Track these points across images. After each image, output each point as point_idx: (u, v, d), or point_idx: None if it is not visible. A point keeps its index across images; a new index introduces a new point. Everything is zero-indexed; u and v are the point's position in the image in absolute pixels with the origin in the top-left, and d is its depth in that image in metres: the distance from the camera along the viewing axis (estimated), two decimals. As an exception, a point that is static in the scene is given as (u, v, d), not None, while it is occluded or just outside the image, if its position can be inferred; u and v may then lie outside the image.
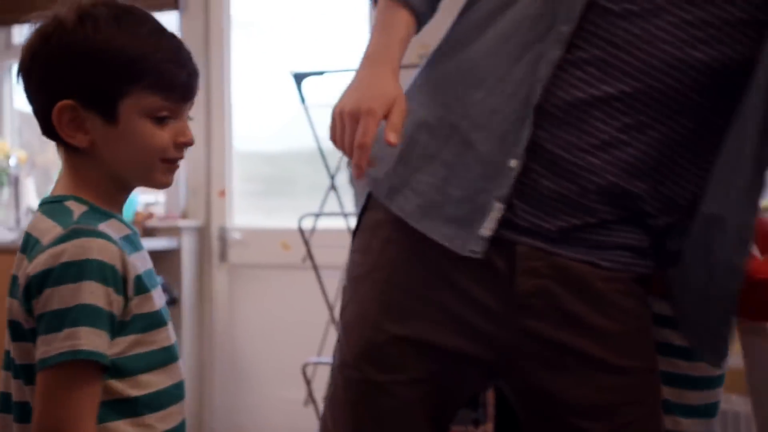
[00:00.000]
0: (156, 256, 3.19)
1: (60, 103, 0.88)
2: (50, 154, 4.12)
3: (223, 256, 3.31)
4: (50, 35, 0.88)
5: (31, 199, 3.44)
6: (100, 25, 0.87)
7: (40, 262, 0.83)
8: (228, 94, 3.34)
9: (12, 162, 3.38)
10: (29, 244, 0.88)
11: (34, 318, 0.84)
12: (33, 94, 0.91)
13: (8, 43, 3.74)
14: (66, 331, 0.81)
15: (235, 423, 3.26)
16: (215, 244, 3.31)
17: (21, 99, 3.82)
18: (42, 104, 0.90)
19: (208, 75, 3.34)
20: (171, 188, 3.27)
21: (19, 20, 3.61)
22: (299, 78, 2.19)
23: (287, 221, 3.24)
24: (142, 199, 3.37)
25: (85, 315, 0.82)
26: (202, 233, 3.33)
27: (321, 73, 2.18)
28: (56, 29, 0.87)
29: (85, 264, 0.82)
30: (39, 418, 0.83)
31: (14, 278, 0.88)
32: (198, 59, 3.13)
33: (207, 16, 3.33)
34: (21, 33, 3.75)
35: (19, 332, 0.87)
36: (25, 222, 3.34)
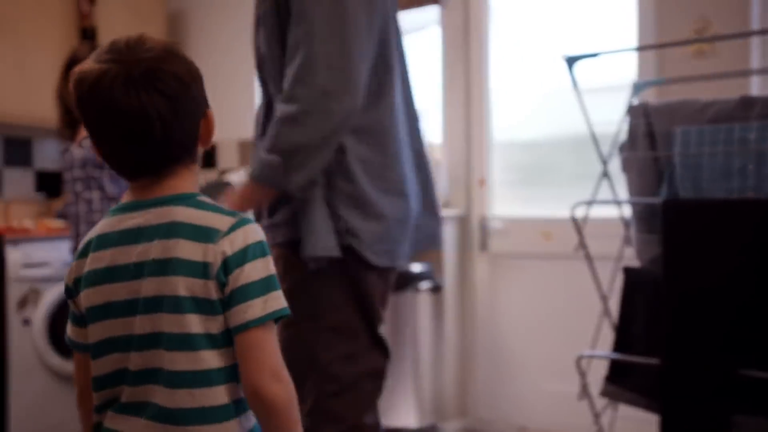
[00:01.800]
0: (420, 244, 3.33)
1: (208, 112, 1.09)
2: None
3: (483, 245, 3.32)
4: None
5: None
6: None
7: (235, 245, 1.00)
8: (487, 84, 3.34)
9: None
10: (199, 232, 1.00)
11: (224, 291, 0.99)
12: (189, 112, 1.05)
13: (287, 48, 4.08)
14: (272, 294, 1.00)
15: (498, 412, 3.27)
16: (476, 234, 3.34)
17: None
18: (194, 118, 1.06)
19: (467, 66, 3.36)
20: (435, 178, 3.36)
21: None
22: (571, 61, 2.09)
23: (548, 210, 3.17)
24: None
25: (275, 281, 1.01)
26: (463, 223, 3.37)
27: (595, 55, 2.06)
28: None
29: (263, 243, 1.02)
30: (257, 361, 0.98)
31: (176, 262, 0.99)
32: (457, 51, 3.17)
33: (467, 7, 3.36)
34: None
35: (202, 306, 0.99)
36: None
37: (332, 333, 1.59)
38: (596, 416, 2.23)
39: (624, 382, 2.10)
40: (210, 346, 0.99)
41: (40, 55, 3.51)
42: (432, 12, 3.49)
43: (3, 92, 3.38)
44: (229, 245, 1.00)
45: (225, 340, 1.00)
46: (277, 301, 1.01)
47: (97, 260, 1.03)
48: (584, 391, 2.15)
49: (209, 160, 4.20)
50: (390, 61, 1.61)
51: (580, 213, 2.14)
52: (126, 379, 1.01)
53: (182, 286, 0.98)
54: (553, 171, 3.26)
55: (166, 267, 0.99)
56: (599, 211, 2.37)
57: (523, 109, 3.33)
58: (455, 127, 3.39)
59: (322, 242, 1.52)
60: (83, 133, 2.95)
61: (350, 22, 1.48)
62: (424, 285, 3.06)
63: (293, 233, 1.58)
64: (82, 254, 1.06)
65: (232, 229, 1.01)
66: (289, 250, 1.59)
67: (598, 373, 2.26)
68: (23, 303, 3.02)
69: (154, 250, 1.00)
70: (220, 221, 1.01)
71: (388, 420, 3.01)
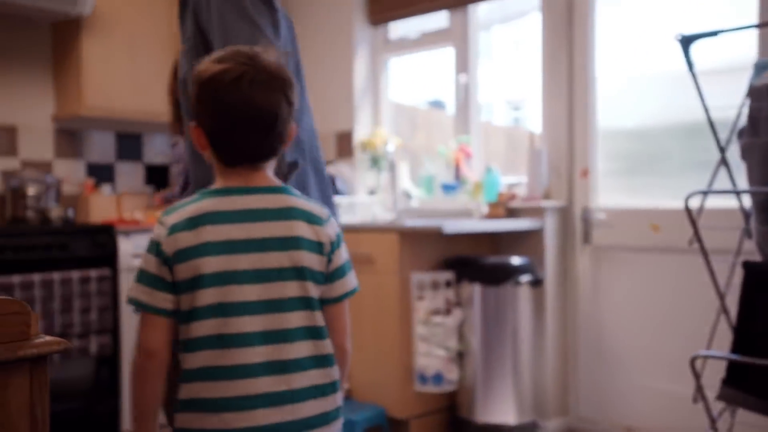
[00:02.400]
0: (519, 236, 3.25)
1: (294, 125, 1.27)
2: (419, 141, 4.42)
3: (586, 237, 3.20)
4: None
5: (405, 182, 3.71)
6: None
7: (334, 231, 1.27)
8: (591, 69, 3.21)
9: (390, 148, 3.67)
10: (311, 217, 1.24)
11: (328, 267, 1.25)
12: (292, 114, 1.24)
13: (386, 39, 4.08)
14: (353, 272, 1.30)
15: (602, 411, 3.15)
16: (578, 225, 3.22)
17: (395, 91, 4.17)
18: (291, 121, 1.24)
19: (570, 51, 3.24)
20: (533, 168, 3.27)
21: (395, 17, 3.91)
22: (687, 41, 1.96)
23: (656, 201, 3.02)
24: (505, 180, 3.42)
25: (351, 263, 1.32)
26: (565, 214, 3.26)
27: (714, 33, 1.92)
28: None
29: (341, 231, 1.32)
30: (345, 325, 1.30)
31: (297, 239, 1.21)
32: (559, 35, 3.04)
33: (569, -10, 3.23)
34: (397, 30, 4.07)
35: (315, 276, 1.23)
36: (401, 204, 3.62)
37: None
38: (712, 421, 2.10)
39: (743, 385, 1.96)
40: (318, 308, 1.24)
41: (150, 53, 3.64)
42: (533, -3, 3.39)
43: (115, 90, 3.54)
44: (332, 230, 1.27)
45: (320, 305, 1.26)
46: (355, 280, 1.31)
47: (214, 233, 1.18)
48: (699, 394, 2.02)
49: (308, 152, 4.24)
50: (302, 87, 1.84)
51: (694, 203, 2.01)
52: (238, 341, 1.16)
53: (309, 259, 1.22)
54: (663, 159, 3.10)
55: (290, 243, 1.21)
56: (715, 202, 2.22)
57: (631, 95, 3.18)
58: (557, 116, 3.28)
59: None
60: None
61: None
62: (525, 278, 2.98)
63: None
64: (186, 228, 1.18)
65: (329, 217, 1.28)
66: None
67: (713, 374, 2.12)
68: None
69: (278, 228, 1.21)
70: (319, 210, 1.27)
71: (486, 415, 2.96)
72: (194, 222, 1.19)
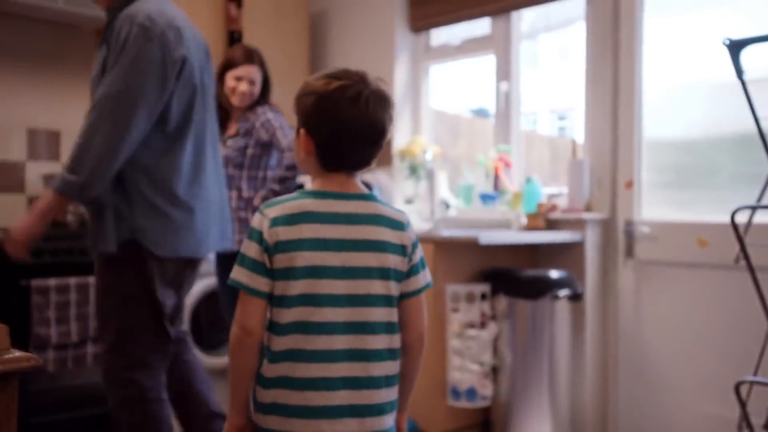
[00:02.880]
0: (558, 249, 3.15)
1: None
2: (462, 150, 4.35)
3: (629, 251, 3.09)
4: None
5: (444, 191, 3.65)
6: None
7: (413, 234, 1.42)
8: (638, 79, 3.10)
9: (428, 156, 3.61)
10: (395, 223, 1.39)
11: (407, 266, 1.40)
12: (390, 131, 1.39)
13: (427, 46, 4.02)
14: (427, 269, 1.46)
15: (641, 431, 3.03)
16: (621, 239, 3.11)
17: (437, 98, 4.11)
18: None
19: (616, 59, 3.14)
20: (575, 179, 3.17)
21: (437, 24, 3.86)
22: (736, 47, 1.86)
23: (704, 215, 2.90)
24: (546, 190, 3.32)
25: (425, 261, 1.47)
26: (607, 226, 3.15)
27: (765, 38, 1.82)
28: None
29: None
30: (423, 315, 1.45)
31: (383, 243, 1.36)
32: (604, 43, 2.92)
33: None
34: (438, 37, 4.02)
35: (398, 276, 1.38)
36: (439, 213, 3.55)
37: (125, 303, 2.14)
38: (757, 449, 1.98)
39: (792, 413, 1.85)
40: (395, 306, 1.39)
41: (189, 58, 3.65)
42: (578, 3, 3.30)
43: (155, 95, 3.56)
44: (412, 234, 1.42)
45: (397, 302, 1.40)
46: (429, 275, 1.46)
47: (311, 231, 1.33)
48: (744, 421, 1.91)
49: (347, 159, 4.21)
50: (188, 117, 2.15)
51: (742, 218, 1.91)
52: (322, 329, 1.32)
53: (393, 260, 1.37)
54: (711, 172, 2.97)
55: (378, 246, 1.36)
56: (765, 217, 2.10)
57: (678, 105, 3.06)
58: (600, 125, 3.18)
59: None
60: (229, 131, 3.04)
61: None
62: (563, 292, 2.88)
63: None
64: (287, 222, 1.33)
65: (409, 223, 1.43)
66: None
67: (761, 401, 2.01)
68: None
69: (365, 232, 1.36)
70: (401, 216, 1.42)
71: (522, 431, 2.87)
72: (294, 219, 1.34)
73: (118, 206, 2.10)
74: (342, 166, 1.38)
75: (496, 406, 2.95)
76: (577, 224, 3.10)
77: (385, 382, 1.36)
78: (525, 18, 3.63)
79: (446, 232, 2.93)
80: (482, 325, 2.90)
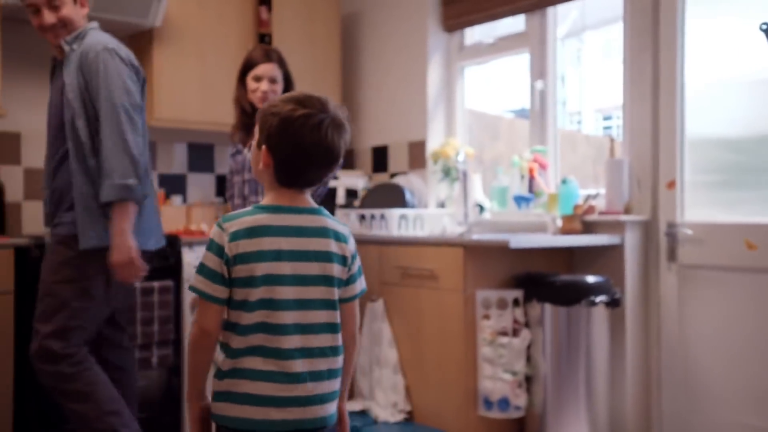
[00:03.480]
0: (596, 253, 3.01)
1: None
2: (501, 151, 4.24)
3: (671, 254, 2.93)
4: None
5: (478, 194, 3.54)
6: None
7: (353, 246, 1.59)
8: (680, 75, 2.94)
9: (460, 158, 3.51)
10: (338, 236, 1.55)
11: (347, 274, 1.57)
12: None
13: (460, 46, 3.93)
14: (363, 277, 1.62)
15: (685, 446, 2.87)
16: (663, 242, 2.96)
17: (475, 99, 4.01)
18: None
19: (656, 54, 2.99)
20: (613, 179, 3.02)
21: (470, 23, 3.76)
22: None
23: (752, 216, 2.73)
24: (582, 192, 3.19)
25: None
26: (648, 229, 3.00)
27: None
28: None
29: None
30: (356, 318, 1.63)
31: (328, 254, 1.52)
32: (644, 36, 2.75)
33: (655, -12, 2.99)
34: (473, 36, 3.92)
35: (339, 283, 1.55)
36: (472, 217, 3.45)
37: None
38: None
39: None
40: (337, 309, 1.54)
41: (220, 64, 3.64)
42: (618, 1, 3.16)
43: (186, 101, 3.55)
44: (352, 246, 1.58)
45: (338, 306, 1.56)
46: (364, 283, 1.63)
47: (268, 243, 1.47)
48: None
49: (381, 163, 4.15)
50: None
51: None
52: (280, 330, 1.47)
53: (336, 269, 1.53)
54: (759, 170, 2.80)
55: (325, 256, 1.52)
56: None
57: (724, 102, 2.90)
58: (640, 123, 3.03)
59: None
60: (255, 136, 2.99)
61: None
62: (601, 298, 2.75)
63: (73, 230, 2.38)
64: (246, 236, 1.46)
65: (349, 235, 1.59)
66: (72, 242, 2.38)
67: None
68: (196, 304, 3.13)
69: (313, 244, 1.51)
70: (344, 229, 1.58)
71: (558, 445, 2.74)
72: (253, 232, 1.47)
73: (105, 207, 2.36)
74: (295, 184, 1.52)
75: (531, 417, 2.83)
76: (616, 227, 2.96)
77: (327, 375, 1.52)
78: (568, 16, 3.51)
79: (476, 236, 2.82)
80: (515, 332, 2.78)
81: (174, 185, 3.87)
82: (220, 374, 1.49)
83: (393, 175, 4.01)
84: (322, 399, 1.51)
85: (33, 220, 3.45)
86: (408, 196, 3.55)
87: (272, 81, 2.87)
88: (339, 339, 1.54)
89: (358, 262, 1.60)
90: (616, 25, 3.22)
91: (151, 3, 3.31)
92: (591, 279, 2.80)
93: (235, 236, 1.46)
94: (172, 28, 3.52)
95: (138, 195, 2.31)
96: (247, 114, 2.91)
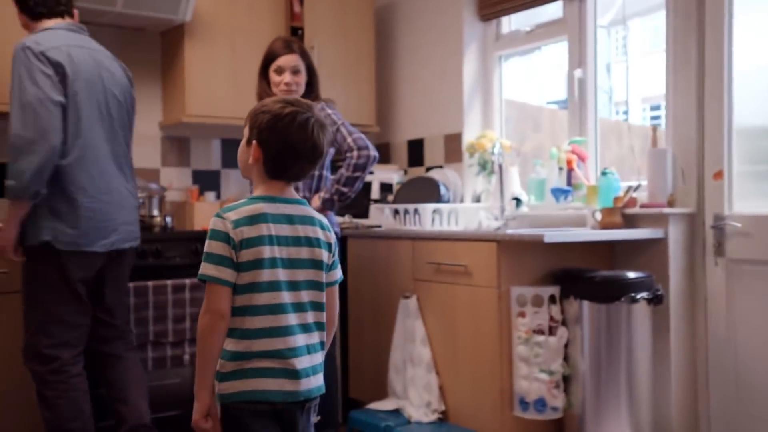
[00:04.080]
0: (638, 247, 2.87)
1: None
2: (537, 143, 4.12)
3: (719, 249, 2.78)
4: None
5: (515, 187, 3.43)
6: None
7: (334, 236, 1.77)
8: (727, 60, 2.78)
9: (495, 150, 3.41)
10: (322, 225, 1.72)
11: (331, 260, 1.74)
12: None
13: (498, 34, 3.82)
14: (339, 266, 1.79)
15: (733, 451, 2.72)
16: (709, 235, 2.81)
17: (510, 88, 3.90)
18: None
19: (701, 40, 2.84)
20: (656, 170, 2.89)
21: (506, 11, 3.65)
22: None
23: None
24: (624, 184, 3.05)
25: None
26: (693, 222, 2.86)
27: None
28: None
29: None
30: (336, 302, 1.79)
31: (318, 240, 1.70)
32: (689, 23, 2.60)
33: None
34: (509, 24, 3.80)
35: (325, 267, 1.71)
36: (509, 211, 3.35)
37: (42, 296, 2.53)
38: None
39: None
40: (323, 289, 1.71)
41: (251, 58, 3.59)
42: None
43: (217, 96, 3.53)
44: (333, 235, 1.75)
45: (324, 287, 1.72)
46: (341, 272, 1.80)
47: (267, 229, 1.61)
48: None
49: (416, 156, 4.07)
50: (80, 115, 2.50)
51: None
52: (281, 309, 1.62)
53: (324, 254, 1.70)
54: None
55: (314, 242, 1.69)
56: None
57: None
58: (685, 111, 2.88)
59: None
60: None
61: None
62: (642, 295, 2.62)
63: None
64: (247, 223, 1.60)
65: (330, 224, 1.78)
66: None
67: None
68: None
69: (303, 230, 1.68)
70: (326, 220, 1.75)
71: (598, 447, 2.63)
72: (254, 219, 1.61)
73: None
74: (282, 177, 1.67)
75: (569, 418, 2.72)
76: (659, 220, 2.83)
77: (318, 348, 1.69)
78: (613, 2, 3.37)
79: (510, 231, 2.73)
80: (551, 330, 2.68)
81: (208, 181, 3.86)
82: (230, 356, 1.60)
83: (429, 169, 3.93)
84: (315, 370, 1.67)
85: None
86: (443, 190, 3.47)
87: (295, 72, 2.81)
88: (323, 316, 1.71)
89: (336, 252, 1.76)
90: (662, 12, 3.08)
91: (181, -2, 3.29)
92: (632, 275, 2.67)
93: (237, 223, 1.59)
94: (203, 23, 3.50)
95: (16, 193, 2.38)
96: None
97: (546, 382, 2.64)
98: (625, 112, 6.40)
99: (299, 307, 1.65)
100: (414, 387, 3.00)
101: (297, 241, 1.65)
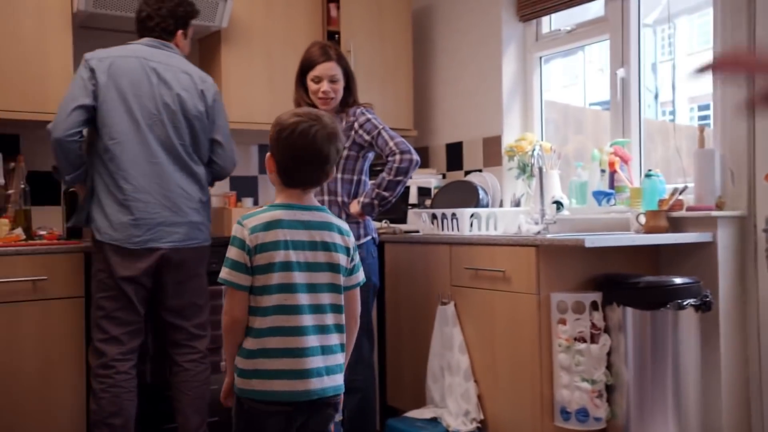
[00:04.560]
0: (684, 252, 2.76)
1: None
2: (580, 145, 4.01)
3: (771, 253, 2.66)
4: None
5: (556, 190, 3.34)
6: None
7: (353, 240, 1.87)
8: None
9: (535, 152, 3.33)
10: (341, 230, 1.83)
11: (350, 264, 1.84)
12: (336, 159, 1.81)
13: (538, 35, 3.74)
14: (362, 270, 1.90)
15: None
16: (761, 239, 2.68)
17: (552, 90, 3.81)
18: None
19: (751, 32, 2.72)
20: (703, 172, 2.77)
21: (546, 11, 3.57)
22: None
23: None
24: (669, 186, 2.94)
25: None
26: (743, 225, 2.73)
27: None
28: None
29: None
30: (357, 304, 1.89)
31: (335, 244, 1.80)
32: (740, 16, 2.48)
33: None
34: (549, 24, 3.72)
35: (344, 271, 1.81)
36: (550, 215, 3.25)
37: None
38: None
39: None
40: (342, 292, 1.80)
41: (288, 63, 3.58)
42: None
43: (254, 101, 3.53)
44: (352, 240, 1.86)
45: (342, 290, 1.82)
46: (363, 275, 1.89)
47: (283, 234, 1.72)
48: None
49: (455, 160, 4.01)
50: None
51: None
52: (296, 310, 1.72)
53: (341, 258, 1.80)
54: None
55: (331, 247, 1.79)
56: None
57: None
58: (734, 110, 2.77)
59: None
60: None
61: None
62: (689, 301, 2.51)
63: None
64: (263, 229, 1.72)
65: (350, 230, 1.87)
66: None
67: None
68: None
69: (320, 236, 1.78)
70: (345, 225, 1.86)
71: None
72: (270, 225, 1.73)
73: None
74: (294, 184, 1.78)
75: (613, 428, 2.62)
76: (707, 223, 2.71)
77: (338, 349, 1.79)
78: (658, 0, 3.26)
79: (549, 235, 2.64)
80: (593, 338, 2.59)
81: (245, 187, 3.86)
82: (246, 353, 1.73)
83: (467, 173, 3.87)
84: (330, 370, 1.75)
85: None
86: (481, 194, 3.39)
87: (333, 81, 2.78)
88: (343, 318, 1.80)
89: (357, 256, 1.86)
90: (710, 10, 2.96)
91: (218, 4, 3.30)
92: (678, 280, 2.56)
93: (254, 230, 1.72)
94: (239, 29, 3.50)
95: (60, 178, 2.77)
96: None
97: (588, 391, 2.55)
98: (672, 113, 6.23)
99: (318, 309, 1.75)
100: (452, 395, 2.93)
101: (313, 246, 1.75)
